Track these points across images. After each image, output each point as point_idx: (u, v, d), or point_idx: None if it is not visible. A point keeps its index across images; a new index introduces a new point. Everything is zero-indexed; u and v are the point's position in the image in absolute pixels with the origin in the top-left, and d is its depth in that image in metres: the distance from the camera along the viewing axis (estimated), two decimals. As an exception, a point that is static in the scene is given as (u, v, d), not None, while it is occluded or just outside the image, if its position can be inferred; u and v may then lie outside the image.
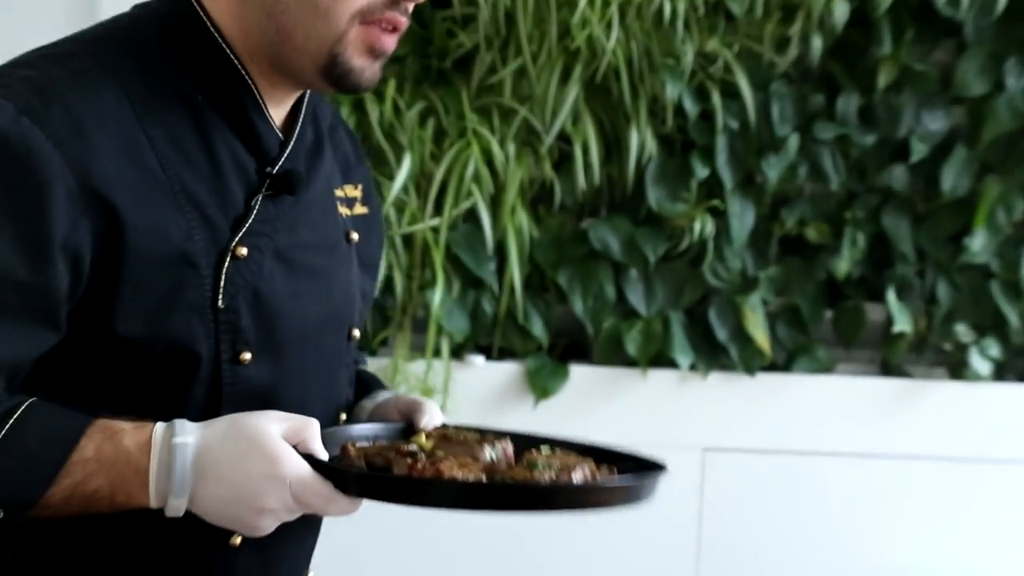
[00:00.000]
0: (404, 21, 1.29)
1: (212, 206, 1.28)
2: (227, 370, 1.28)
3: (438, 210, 2.35)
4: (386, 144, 2.32)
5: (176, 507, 1.21)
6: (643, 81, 2.43)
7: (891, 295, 2.46)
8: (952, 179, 2.49)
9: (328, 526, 1.42)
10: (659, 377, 2.46)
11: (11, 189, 1.21)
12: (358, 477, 1.24)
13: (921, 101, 2.49)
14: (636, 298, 2.48)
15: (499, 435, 1.37)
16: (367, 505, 1.26)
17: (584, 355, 2.53)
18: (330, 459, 1.27)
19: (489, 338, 2.48)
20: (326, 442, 1.27)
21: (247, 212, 1.29)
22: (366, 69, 1.29)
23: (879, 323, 2.53)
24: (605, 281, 2.46)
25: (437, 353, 2.37)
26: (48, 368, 1.26)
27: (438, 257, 2.34)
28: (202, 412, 1.27)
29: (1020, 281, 2.48)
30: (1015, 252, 2.49)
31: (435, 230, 2.34)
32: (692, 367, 2.46)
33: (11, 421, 1.19)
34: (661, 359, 2.46)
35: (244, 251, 1.28)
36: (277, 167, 1.32)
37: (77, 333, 1.24)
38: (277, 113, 1.34)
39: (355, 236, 1.45)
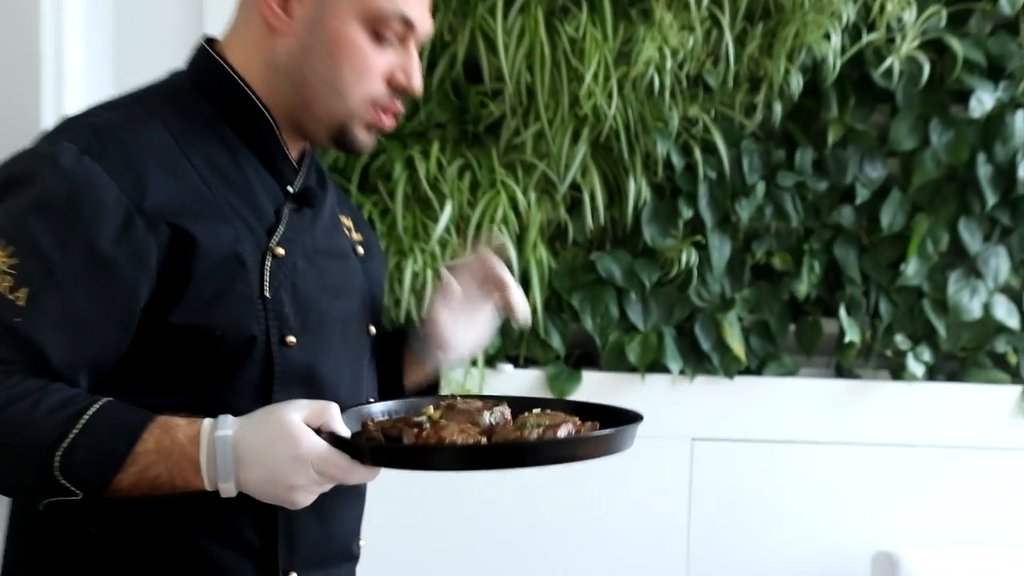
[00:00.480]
0: (400, 107, 1.44)
1: (250, 216, 1.38)
2: (276, 351, 1.36)
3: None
4: (432, 194, 2.48)
5: (227, 489, 1.28)
6: (638, 140, 2.57)
7: (842, 312, 2.65)
8: (889, 217, 2.66)
9: (372, 503, 1.51)
10: (655, 380, 2.62)
11: (81, 214, 1.29)
12: (370, 448, 1.29)
13: (863, 154, 2.67)
14: (635, 316, 2.63)
15: (499, 400, 1.42)
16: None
17: (594, 363, 2.67)
18: (353, 435, 1.32)
19: (516, 350, 2.62)
20: (349, 420, 1.33)
21: (278, 220, 1.40)
22: (367, 140, 1.44)
23: (833, 335, 2.70)
24: (610, 302, 2.61)
25: (474, 362, 2.52)
26: (124, 360, 1.34)
27: None
28: (258, 388, 1.36)
29: (946, 300, 2.66)
30: (942, 276, 2.68)
31: None
32: (682, 372, 2.62)
33: (86, 417, 1.26)
34: (656, 365, 2.62)
35: (281, 251, 1.38)
36: (297, 186, 1.44)
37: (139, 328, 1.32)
38: (292, 151, 1.46)
39: (360, 250, 1.54)
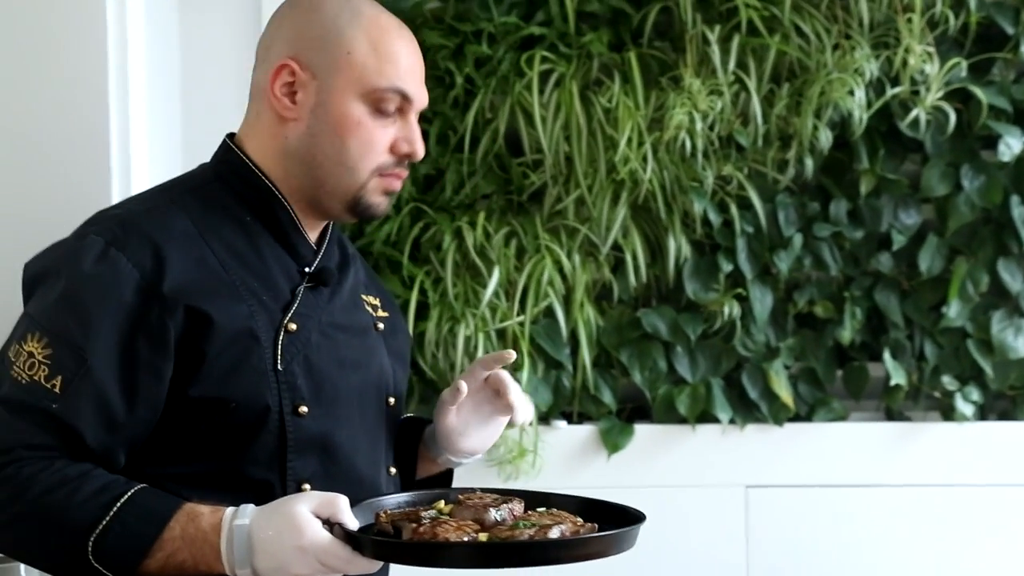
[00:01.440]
0: (406, 172, 1.53)
1: (265, 295, 1.45)
2: (289, 420, 1.42)
3: (522, 309, 2.59)
4: (480, 261, 2.59)
5: (245, 575, 1.34)
6: (675, 200, 2.66)
7: (887, 356, 2.69)
8: (928, 261, 2.70)
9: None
10: (705, 430, 2.67)
11: (106, 305, 1.37)
12: (370, 542, 1.33)
13: (897, 202, 2.72)
14: (683, 368, 2.68)
15: (512, 496, 1.45)
16: None
17: (645, 416, 2.72)
18: (366, 526, 1.38)
19: (569, 406, 2.68)
20: (364, 512, 1.39)
21: (293, 298, 1.47)
22: (381, 204, 1.52)
23: (880, 378, 2.72)
24: (658, 357, 2.68)
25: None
26: (152, 434, 1.41)
27: (524, 345, 2.57)
28: (273, 456, 1.43)
29: (991, 339, 2.68)
30: (985, 316, 2.70)
31: (521, 324, 2.58)
32: (731, 421, 2.66)
33: (119, 504, 1.34)
34: (706, 416, 2.66)
35: (294, 327, 1.45)
36: (314, 266, 1.52)
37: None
38: (311, 232, 1.54)
39: (381, 326, 1.60)
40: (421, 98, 1.54)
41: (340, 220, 1.56)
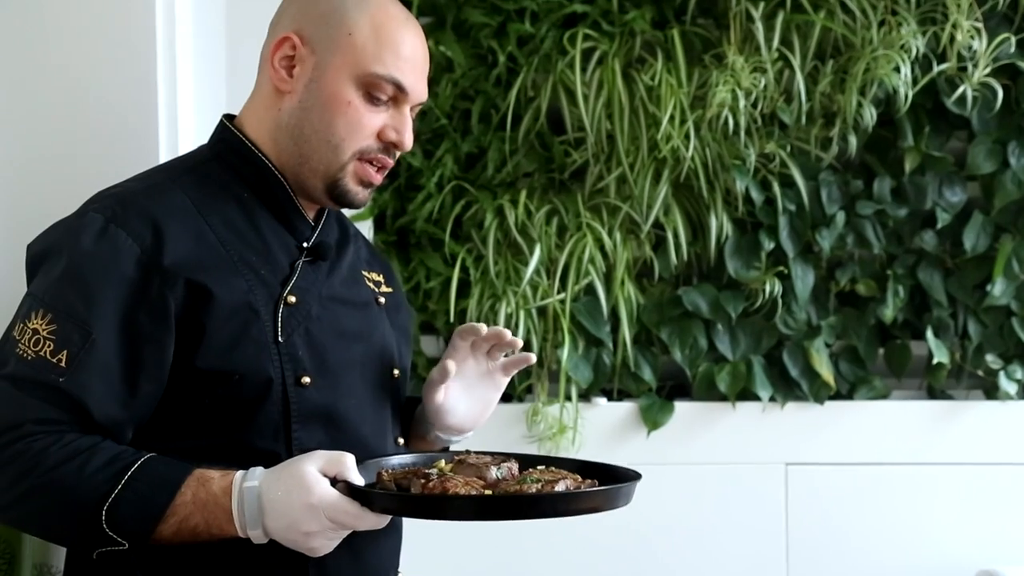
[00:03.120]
0: (391, 162, 1.53)
1: (264, 269, 1.47)
2: (292, 391, 1.44)
3: (563, 287, 2.61)
4: (521, 239, 2.62)
5: (256, 536, 1.37)
6: (717, 178, 2.67)
7: (930, 334, 2.69)
8: (972, 239, 2.71)
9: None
10: (746, 408, 2.68)
11: (108, 279, 1.39)
12: (379, 496, 1.35)
13: (942, 179, 2.72)
14: (724, 346, 2.69)
15: (508, 457, 1.49)
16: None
17: (685, 393, 2.74)
18: (368, 484, 1.39)
19: (609, 383, 2.70)
20: (367, 471, 1.41)
21: (292, 272, 1.49)
22: (359, 193, 1.52)
23: (923, 357, 2.73)
24: (698, 334, 2.69)
25: (569, 397, 2.62)
26: (160, 407, 1.43)
27: (565, 323, 2.59)
28: (278, 427, 1.44)
29: None
30: None
31: (562, 302, 2.60)
32: (772, 399, 2.67)
33: (129, 473, 1.36)
34: (747, 394, 2.68)
35: (293, 299, 1.47)
36: (311, 241, 1.54)
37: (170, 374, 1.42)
38: (308, 210, 1.56)
39: (383, 300, 1.62)
40: (417, 92, 1.54)
41: (321, 203, 1.57)
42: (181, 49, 2.02)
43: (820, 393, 2.71)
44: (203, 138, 2.11)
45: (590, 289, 2.66)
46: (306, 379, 1.45)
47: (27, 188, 1.92)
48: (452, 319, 2.63)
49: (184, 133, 2.05)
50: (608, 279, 2.67)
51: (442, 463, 1.47)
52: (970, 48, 2.66)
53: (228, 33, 2.36)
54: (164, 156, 2.01)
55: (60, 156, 1.95)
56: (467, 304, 2.64)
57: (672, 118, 2.60)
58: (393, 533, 1.56)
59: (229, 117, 1.59)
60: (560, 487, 1.37)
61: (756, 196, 2.70)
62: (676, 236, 2.69)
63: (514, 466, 1.46)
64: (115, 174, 1.92)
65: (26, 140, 1.98)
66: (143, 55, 1.95)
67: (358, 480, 1.37)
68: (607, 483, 1.42)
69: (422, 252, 2.71)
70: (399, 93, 1.52)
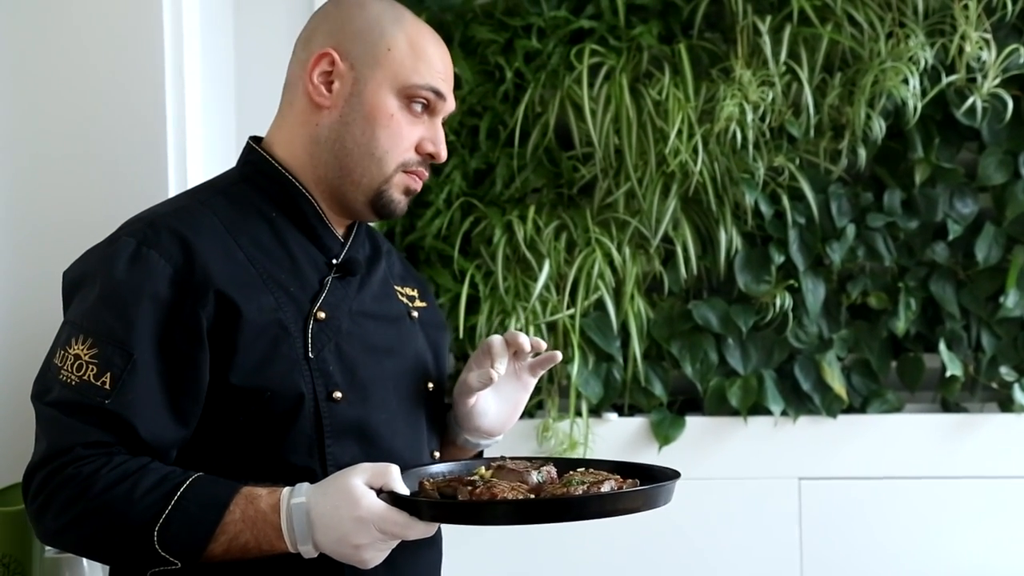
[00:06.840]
0: (427, 173, 1.58)
1: (293, 286, 1.49)
2: (324, 406, 1.46)
3: (573, 302, 2.60)
4: (530, 254, 2.61)
5: (307, 551, 1.39)
6: (726, 192, 2.66)
7: (943, 347, 2.66)
8: (985, 251, 2.68)
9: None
10: (757, 422, 2.67)
11: (142, 302, 1.41)
12: (428, 505, 1.37)
13: (952, 191, 2.70)
14: (735, 361, 2.68)
15: (545, 461, 1.51)
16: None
17: (697, 408, 2.72)
18: (412, 493, 1.41)
19: (620, 398, 2.68)
20: (408, 480, 1.42)
21: (321, 288, 1.51)
22: (401, 202, 1.56)
23: (936, 369, 2.70)
24: (709, 349, 2.67)
25: (579, 413, 2.61)
26: (200, 427, 1.45)
27: (575, 338, 2.58)
28: (312, 443, 1.46)
29: None
30: None
31: (572, 317, 2.59)
32: (784, 413, 2.65)
33: (179, 493, 1.38)
34: (758, 408, 2.66)
35: (323, 315, 1.49)
36: (341, 257, 1.56)
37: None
38: (338, 226, 1.58)
39: (416, 315, 1.64)
40: (451, 99, 1.61)
41: (360, 217, 1.59)
42: (188, 50, 2.05)
43: (832, 407, 2.70)
44: (209, 140, 2.13)
45: (600, 304, 2.66)
46: (337, 394, 1.47)
47: (38, 193, 1.96)
48: (462, 335, 2.62)
49: (192, 134, 2.06)
50: (618, 294, 2.67)
51: (482, 470, 1.49)
52: (979, 59, 2.65)
53: (235, 34, 2.37)
54: (172, 159, 2.03)
55: (70, 157, 1.98)
56: (477, 320, 2.64)
57: (680, 132, 2.60)
58: (431, 549, 1.58)
59: (256, 139, 1.62)
60: (605, 487, 1.38)
61: (765, 209, 2.69)
62: (685, 250, 2.68)
63: (552, 470, 1.47)
64: (123, 178, 1.94)
65: (33, 144, 2.01)
66: (151, 57, 1.98)
67: (403, 490, 1.38)
68: (646, 482, 1.43)
69: (431, 269, 2.71)
70: (437, 101, 1.57)
